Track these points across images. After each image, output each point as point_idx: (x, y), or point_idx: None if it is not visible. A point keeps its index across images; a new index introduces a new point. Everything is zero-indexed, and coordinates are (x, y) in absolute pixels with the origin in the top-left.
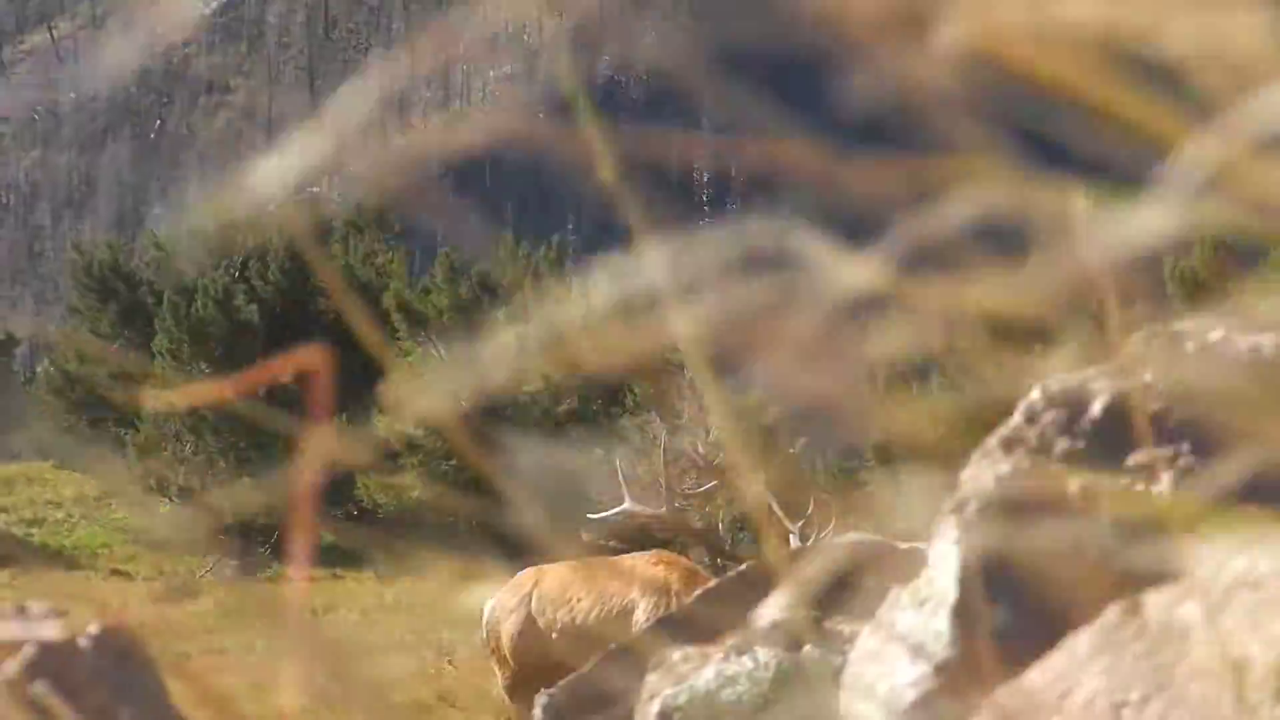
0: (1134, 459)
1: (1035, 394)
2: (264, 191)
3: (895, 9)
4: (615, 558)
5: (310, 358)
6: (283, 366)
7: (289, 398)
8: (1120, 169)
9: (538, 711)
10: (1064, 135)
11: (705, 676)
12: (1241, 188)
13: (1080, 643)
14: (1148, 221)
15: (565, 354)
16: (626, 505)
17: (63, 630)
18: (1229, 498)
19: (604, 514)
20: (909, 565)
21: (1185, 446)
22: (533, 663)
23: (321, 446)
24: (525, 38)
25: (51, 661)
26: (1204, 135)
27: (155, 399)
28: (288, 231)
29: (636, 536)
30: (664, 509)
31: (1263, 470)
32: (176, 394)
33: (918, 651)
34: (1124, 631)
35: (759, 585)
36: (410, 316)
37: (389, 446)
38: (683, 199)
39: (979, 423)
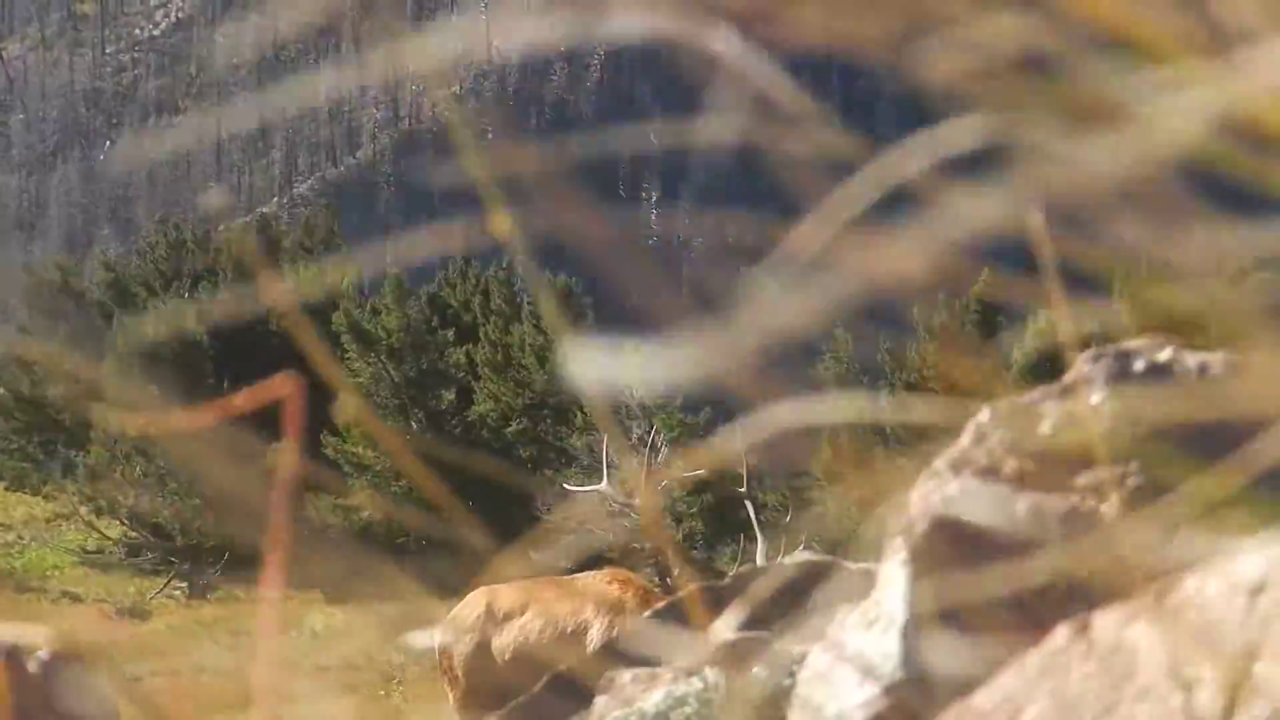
0: (1083, 479)
1: (984, 414)
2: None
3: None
4: (569, 576)
5: (282, 387)
6: (256, 396)
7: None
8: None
9: None
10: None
11: (654, 698)
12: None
13: (1029, 663)
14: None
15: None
16: (604, 486)
17: (13, 654)
18: (1177, 516)
19: (581, 488)
20: (858, 585)
21: (1134, 466)
22: (484, 683)
23: (290, 471)
24: (474, 56)
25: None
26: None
27: (111, 418)
28: (237, 252)
29: (589, 555)
30: (637, 499)
31: (1213, 488)
32: (132, 417)
33: (867, 672)
34: (1072, 652)
35: (710, 605)
36: (360, 337)
37: (339, 467)
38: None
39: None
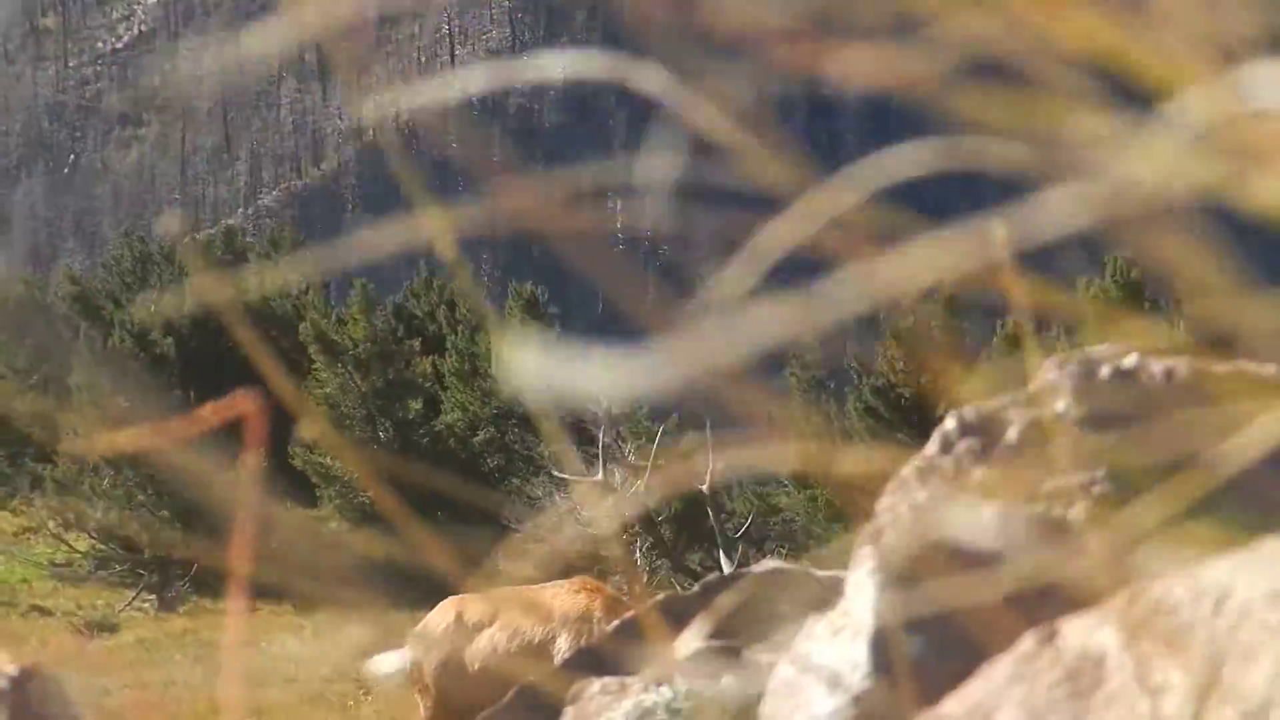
0: (1049, 486)
1: (950, 422)
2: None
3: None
4: (537, 586)
5: (243, 403)
6: (216, 413)
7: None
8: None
9: None
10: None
11: (623, 708)
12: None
13: (997, 671)
14: (1145, 164)
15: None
16: (600, 476)
17: None
18: (1144, 523)
19: (574, 477)
20: (826, 594)
21: (1100, 473)
22: (455, 693)
23: (254, 486)
24: (437, 66)
25: None
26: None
27: (74, 445)
28: (202, 264)
29: (557, 564)
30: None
31: (1179, 495)
32: (98, 440)
33: (834, 682)
34: (1040, 659)
35: (678, 615)
36: (327, 348)
37: (307, 478)
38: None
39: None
